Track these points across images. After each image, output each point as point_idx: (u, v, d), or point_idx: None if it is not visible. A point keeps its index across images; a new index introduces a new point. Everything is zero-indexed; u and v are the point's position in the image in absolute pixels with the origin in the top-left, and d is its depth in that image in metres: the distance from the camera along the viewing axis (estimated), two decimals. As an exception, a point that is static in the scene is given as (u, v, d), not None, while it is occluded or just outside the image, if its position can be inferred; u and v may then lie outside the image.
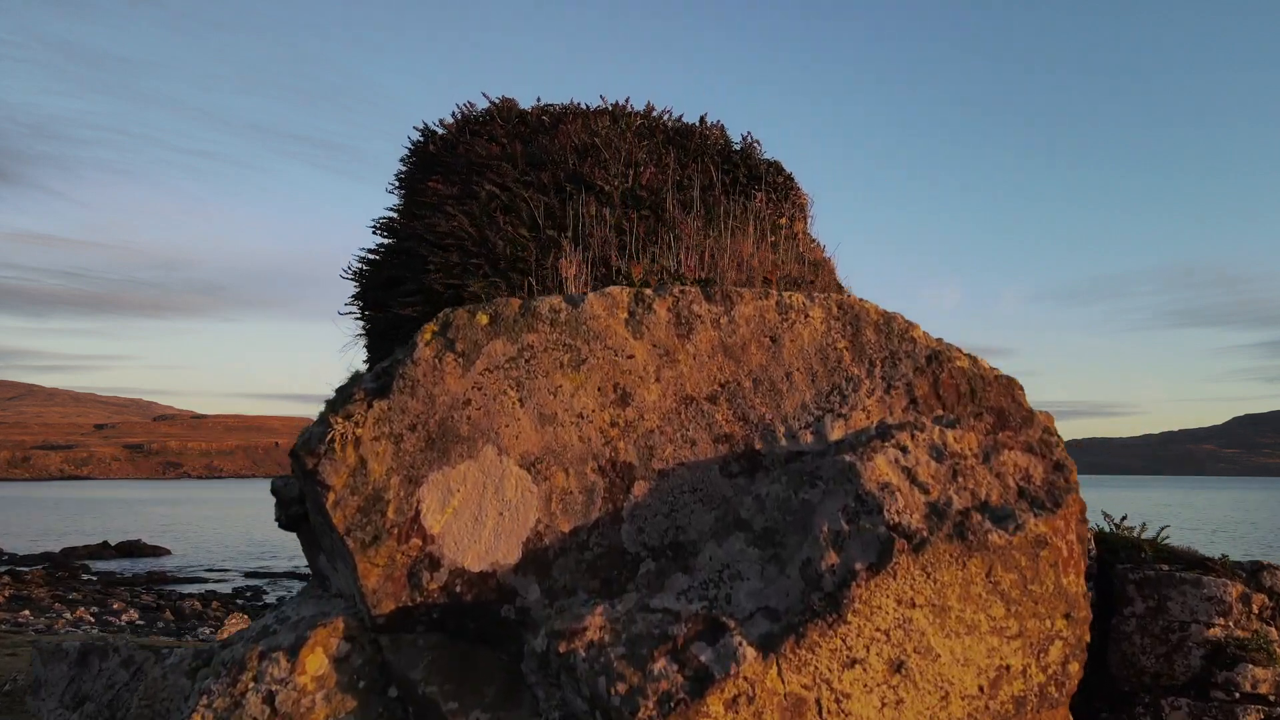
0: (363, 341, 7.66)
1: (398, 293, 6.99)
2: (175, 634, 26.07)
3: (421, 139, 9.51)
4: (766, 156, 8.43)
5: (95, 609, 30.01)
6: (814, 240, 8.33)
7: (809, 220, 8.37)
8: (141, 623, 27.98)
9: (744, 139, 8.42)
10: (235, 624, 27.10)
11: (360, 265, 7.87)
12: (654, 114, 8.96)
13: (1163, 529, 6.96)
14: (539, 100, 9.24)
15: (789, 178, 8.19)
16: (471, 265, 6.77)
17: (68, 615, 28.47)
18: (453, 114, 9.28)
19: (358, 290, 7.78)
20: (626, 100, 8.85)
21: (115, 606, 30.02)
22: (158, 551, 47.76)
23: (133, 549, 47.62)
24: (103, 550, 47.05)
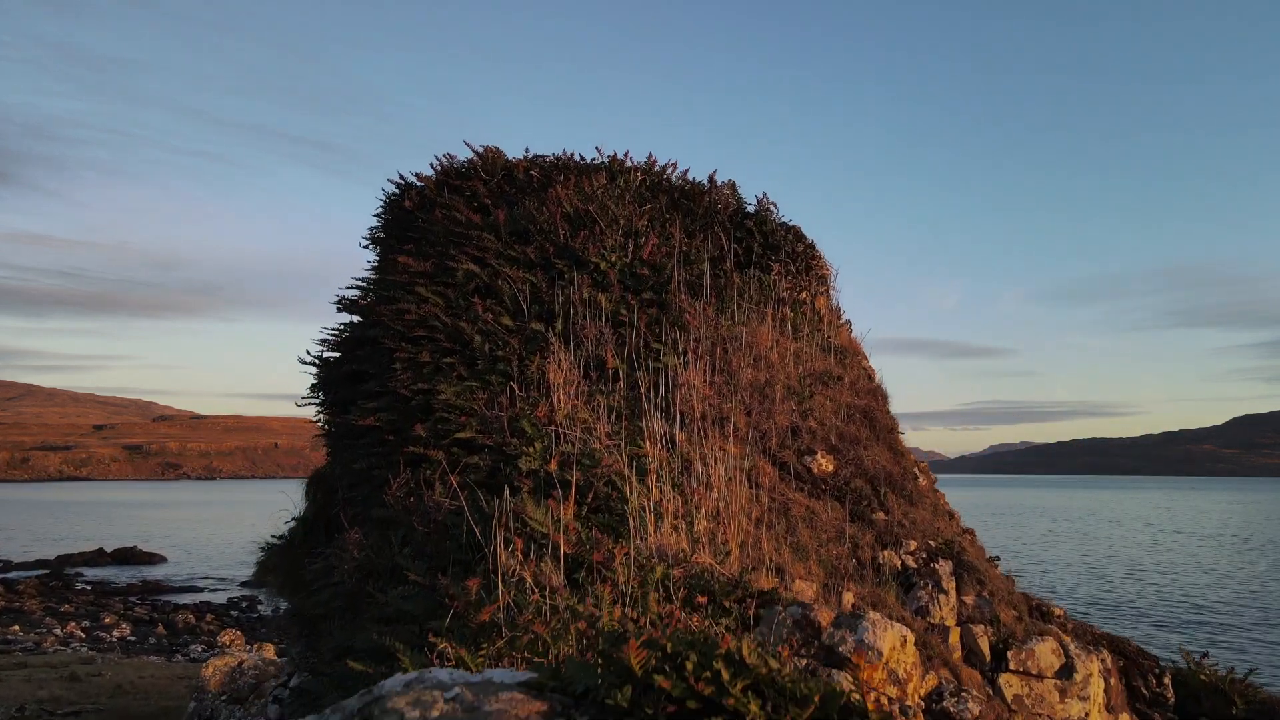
0: (323, 442, 6.65)
1: (359, 392, 6.00)
2: (167, 651, 25.13)
3: (397, 192, 8.51)
4: (784, 219, 7.43)
5: (87, 623, 29.08)
6: (839, 315, 7.33)
7: (833, 292, 7.38)
8: (133, 638, 27.04)
9: (759, 201, 7.42)
10: (228, 640, 26.20)
11: (322, 349, 6.87)
12: (656, 168, 7.96)
13: (1250, 671, 5.99)
14: (527, 152, 8.23)
15: (810, 246, 7.19)
16: (444, 364, 5.79)
17: (58, 631, 27.50)
18: (431, 165, 8.28)
19: (318, 379, 6.77)
20: (626, 155, 7.84)
21: (107, 620, 29.12)
22: (153, 559, 47.21)
23: (128, 556, 47.10)
24: (98, 557, 46.57)
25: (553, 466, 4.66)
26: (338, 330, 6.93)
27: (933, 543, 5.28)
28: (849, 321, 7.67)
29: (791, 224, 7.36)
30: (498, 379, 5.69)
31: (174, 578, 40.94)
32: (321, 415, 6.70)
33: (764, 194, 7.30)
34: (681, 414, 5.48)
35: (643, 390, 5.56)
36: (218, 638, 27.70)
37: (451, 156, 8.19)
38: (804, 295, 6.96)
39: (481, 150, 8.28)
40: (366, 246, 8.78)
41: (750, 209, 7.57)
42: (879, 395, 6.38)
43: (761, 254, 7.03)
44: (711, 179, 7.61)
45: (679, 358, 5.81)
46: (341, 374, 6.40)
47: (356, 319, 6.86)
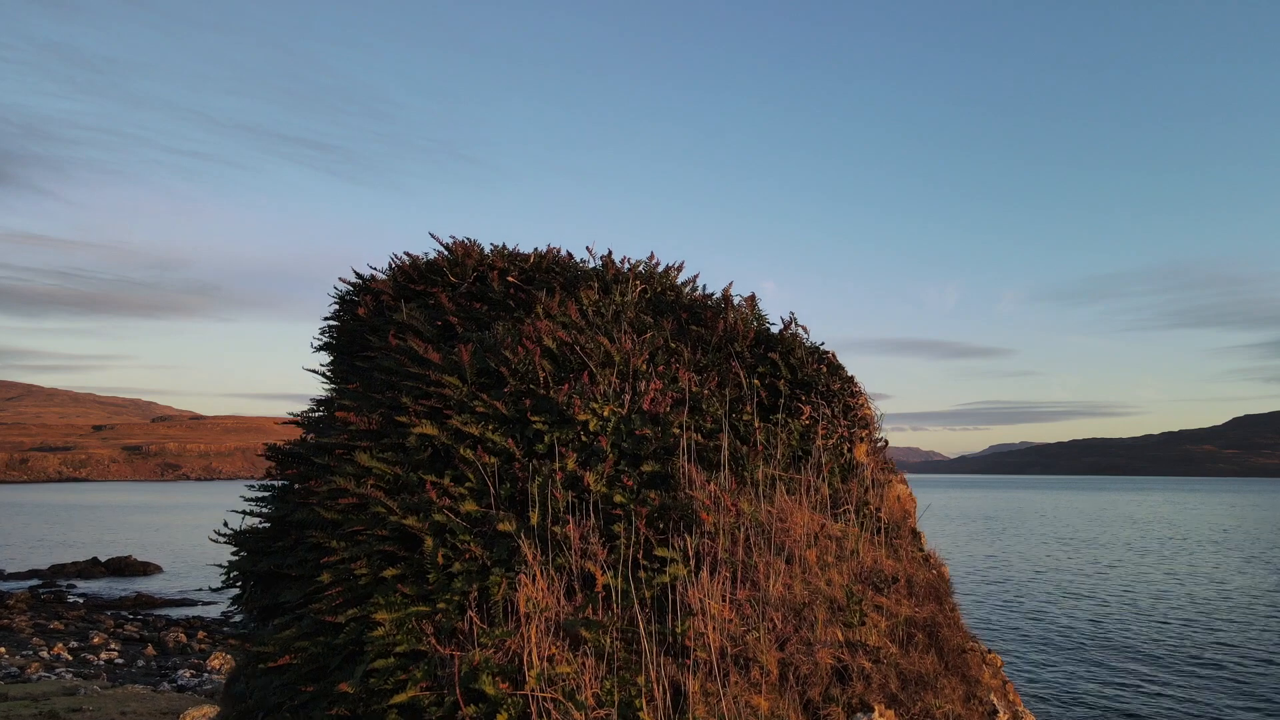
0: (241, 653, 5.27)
1: (278, 605, 4.65)
2: (156, 676, 23.99)
3: (353, 292, 7.15)
4: (815, 341, 6.06)
5: (75, 643, 28.04)
6: (885, 467, 5.96)
7: (875, 434, 6.01)
8: (121, 661, 25.95)
9: (785, 324, 6.04)
10: (217, 664, 25.00)
11: (248, 521, 5.47)
12: (659, 270, 6.60)
13: None
14: (504, 248, 6.86)
15: (849, 380, 5.82)
16: (384, 579, 4.44)
17: (45, 654, 26.38)
18: (391, 264, 6.93)
19: (236, 559, 5.38)
20: (624, 260, 6.47)
21: (95, 641, 28.11)
22: (147, 569, 46.63)
23: (122, 566, 46.50)
24: (91, 568, 46.02)
25: (517, 793, 3.32)
26: (263, 498, 5.54)
27: (1029, 840, 3.95)
28: (892, 461, 6.30)
29: (825, 350, 5.99)
30: (451, 598, 4.35)
31: (167, 590, 40.06)
32: (240, 606, 5.33)
33: (792, 314, 5.93)
34: (698, 659, 4.14)
35: (641, 622, 4.22)
36: (207, 660, 26.52)
37: (412, 255, 6.83)
38: (843, 446, 5.60)
39: (449, 244, 6.92)
40: (320, 347, 7.44)
41: (772, 327, 6.21)
42: (942, 592, 5.01)
43: (790, 393, 5.66)
44: (727, 295, 6.24)
45: (689, 566, 4.47)
46: (260, 570, 5.03)
47: (284, 485, 5.49)
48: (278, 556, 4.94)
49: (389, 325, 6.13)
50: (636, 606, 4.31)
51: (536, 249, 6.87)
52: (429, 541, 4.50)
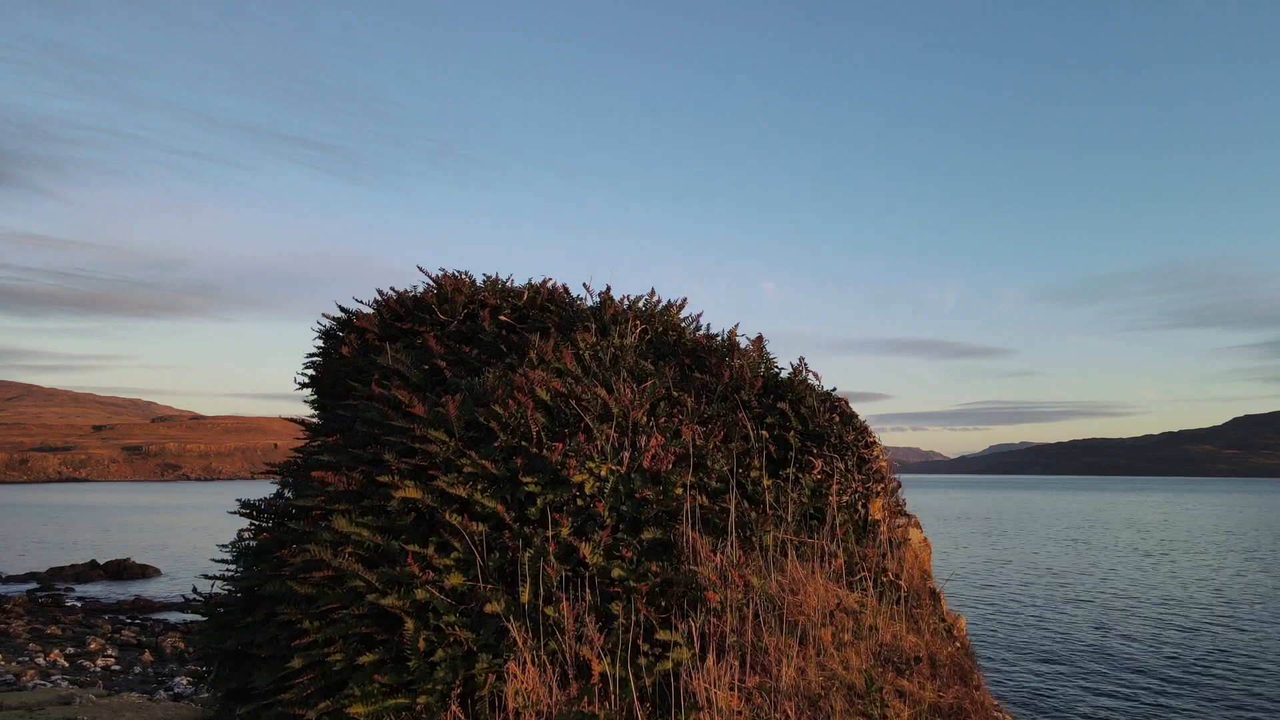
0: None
1: (244, 694, 4.27)
2: (153, 683, 23.69)
3: (337, 328, 6.77)
4: (826, 387, 5.67)
5: (71, 649, 27.81)
6: (897, 511, 5.57)
7: (891, 489, 5.61)
8: (117, 668, 25.71)
9: (795, 370, 5.65)
10: None
11: (218, 585, 5.09)
12: (659, 307, 6.22)
13: None
14: (496, 281, 6.48)
15: (862, 431, 5.43)
16: (360, 666, 4.06)
17: (41, 660, 26.11)
18: (376, 299, 6.54)
19: (202, 633, 4.98)
20: (623, 298, 6.09)
21: (92, 647, 27.89)
22: (146, 572, 46.57)
23: (120, 569, 46.49)
24: (90, 570, 46.00)
25: None
26: (238, 556, 5.15)
27: None
28: (904, 502, 5.91)
29: (837, 397, 5.60)
30: (433, 689, 3.97)
31: (165, 594, 39.87)
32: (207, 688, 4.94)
33: (801, 359, 5.54)
34: (700, 760, 3.77)
35: (641, 716, 3.84)
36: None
37: (399, 290, 6.45)
38: (858, 503, 5.22)
39: (438, 277, 6.53)
40: (303, 384, 7.06)
41: (780, 371, 5.82)
42: (967, 669, 4.62)
43: (800, 445, 5.28)
44: (732, 338, 5.84)
45: (694, 650, 4.09)
46: (228, 649, 4.64)
47: (258, 544, 5.10)
48: (247, 633, 4.55)
49: (373, 368, 5.74)
50: (635, 698, 3.94)
51: (530, 282, 6.48)
52: (410, 624, 4.12)
